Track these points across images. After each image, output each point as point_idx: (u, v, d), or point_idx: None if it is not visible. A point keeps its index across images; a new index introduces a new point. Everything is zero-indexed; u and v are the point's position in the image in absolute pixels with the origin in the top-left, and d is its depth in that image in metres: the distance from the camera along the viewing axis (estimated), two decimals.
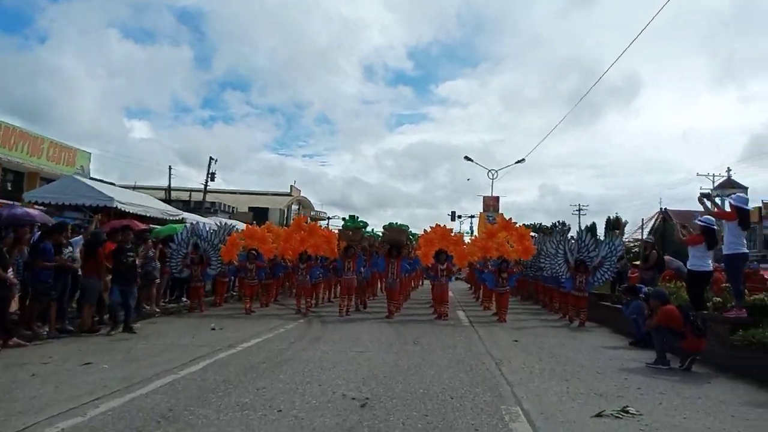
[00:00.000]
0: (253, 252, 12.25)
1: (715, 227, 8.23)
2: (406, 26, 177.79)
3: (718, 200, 42.69)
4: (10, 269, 7.47)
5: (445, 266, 11.49)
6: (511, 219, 12.88)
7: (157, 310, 10.60)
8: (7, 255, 7.42)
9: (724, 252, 7.45)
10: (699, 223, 8.39)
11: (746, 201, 7.80)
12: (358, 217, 13.98)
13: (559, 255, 11.76)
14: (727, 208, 7.89)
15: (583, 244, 12.00)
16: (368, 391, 5.10)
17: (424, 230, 12.90)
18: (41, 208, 15.20)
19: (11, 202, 11.16)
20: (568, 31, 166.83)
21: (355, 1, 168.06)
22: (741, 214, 7.43)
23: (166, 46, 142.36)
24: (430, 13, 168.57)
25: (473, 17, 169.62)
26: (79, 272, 8.91)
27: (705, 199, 8.64)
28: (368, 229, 15.56)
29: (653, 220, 52.06)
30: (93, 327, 8.58)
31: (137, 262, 9.15)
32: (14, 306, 7.49)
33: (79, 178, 18.18)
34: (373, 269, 13.54)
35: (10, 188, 30.02)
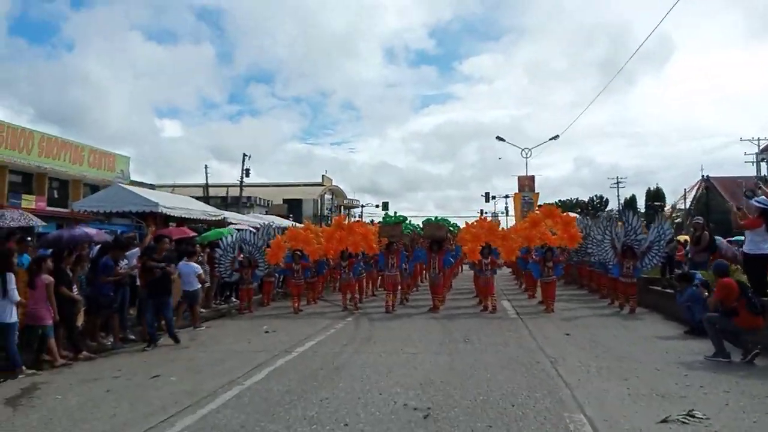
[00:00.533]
0: (298, 252, 12.48)
1: None
2: (424, 6, 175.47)
3: (764, 165, 40.99)
4: (74, 286, 7.86)
5: (489, 260, 11.47)
6: (554, 206, 12.72)
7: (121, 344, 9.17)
8: (70, 273, 7.78)
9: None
10: (756, 204, 8.13)
11: None
12: (396, 212, 14.16)
13: (606, 241, 11.58)
14: None
15: (630, 228, 11.76)
16: (428, 399, 5.19)
17: (466, 222, 12.90)
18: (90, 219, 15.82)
19: (73, 226, 11.62)
20: None
21: None
22: None
23: (189, 45, 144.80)
24: None
25: None
26: (137, 283, 9.29)
27: (764, 186, 8.35)
28: (407, 222, 15.64)
29: (695, 189, 50.46)
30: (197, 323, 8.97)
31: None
32: (80, 320, 7.85)
33: (123, 186, 18.78)
34: (416, 261, 13.68)
35: (56, 196, 31.24)
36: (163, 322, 8.93)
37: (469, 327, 9.45)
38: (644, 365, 6.45)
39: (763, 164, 42.36)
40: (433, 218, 13.54)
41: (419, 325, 9.88)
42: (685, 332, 8.51)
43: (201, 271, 10.63)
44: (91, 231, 8.81)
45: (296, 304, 12.02)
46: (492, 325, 9.70)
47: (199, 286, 10.43)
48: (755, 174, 41.23)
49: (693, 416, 4.52)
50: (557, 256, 11.72)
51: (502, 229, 12.54)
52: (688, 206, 47.26)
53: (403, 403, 5.09)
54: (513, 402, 5.04)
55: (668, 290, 10.73)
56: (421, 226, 14.61)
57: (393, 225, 13.12)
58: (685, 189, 52.03)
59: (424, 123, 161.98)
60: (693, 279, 8.85)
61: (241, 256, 12.43)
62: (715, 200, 43.34)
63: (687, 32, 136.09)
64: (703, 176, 48.35)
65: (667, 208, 53.45)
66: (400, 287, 12.86)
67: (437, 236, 12.57)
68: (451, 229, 15.28)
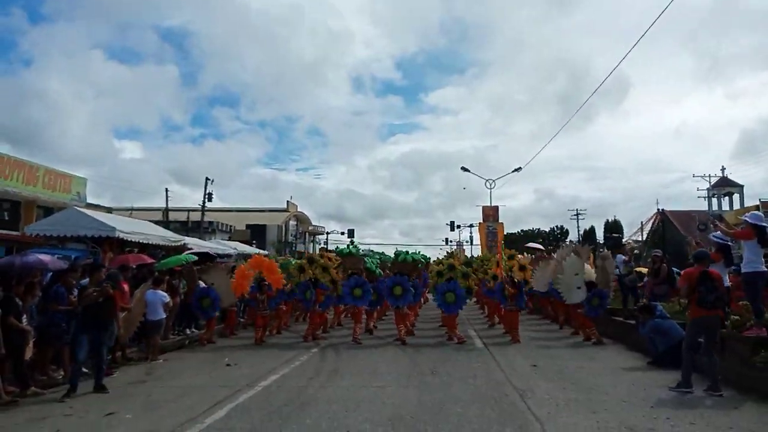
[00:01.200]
0: (264, 283, 12.21)
1: (730, 243, 8.23)
2: (390, 38, 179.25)
3: (714, 201, 42.89)
4: (24, 316, 7.42)
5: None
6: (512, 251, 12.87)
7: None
8: (20, 303, 7.36)
9: (743, 270, 7.44)
10: (714, 239, 8.40)
11: (762, 218, 7.81)
12: (352, 242, 14.25)
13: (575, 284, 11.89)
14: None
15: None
16: None
17: (438, 258, 13.05)
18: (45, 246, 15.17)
19: (25, 251, 11.11)
20: (552, 35, 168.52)
21: (339, 15, 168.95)
22: (759, 232, 7.43)
23: (152, 65, 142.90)
24: (413, 23, 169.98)
25: (456, 24, 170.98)
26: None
27: (718, 222, 8.67)
28: (367, 255, 15.71)
29: (651, 221, 52.31)
30: (108, 371, 8.48)
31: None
32: (29, 353, 7.39)
33: (80, 209, 18.07)
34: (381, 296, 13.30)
35: (6, 218, 29.88)
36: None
37: (436, 358, 9.37)
38: (611, 397, 6.48)
39: (714, 199, 44.39)
40: (405, 253, 13.47)
41: (386, 356, 9.73)
42: (648, 363, 8.64)
43: (168, 300, 10.30)
44: (45, 258, 8.40)
45: (259, 335, 11.69)
46: (459, 356, 9.64)
47: (164, 316, 10.07)
48: (707, 208, 43.11)
49: None
50: (521, 285, 11.83)
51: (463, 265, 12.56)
52: (644, 238, 48.91)
53: None
54: None
55: (629, 321, 10.93)
56: (380, 257, 14.72)
57: (353, 257, 13.19)
58: (642, 222, 53.93)
59: (391, 151, 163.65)
60: (654, 311, 9.04)
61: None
62: (670, 233, 44.98)
63: (643, 71, 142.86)
64: (658, 209, 50.16)
65: (626, 239, 55.13)
66: (364, 316, 12.76)
67: (404, 270, 12.58)
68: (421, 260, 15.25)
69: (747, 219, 7.68)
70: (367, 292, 12.13)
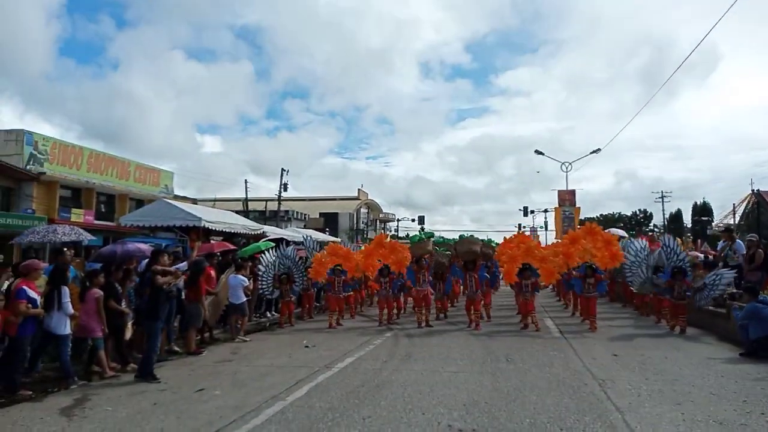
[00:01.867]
0: (338, 268, 12.54)
1: None
2: (459, 21, 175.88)
3: None
4: (123, 300, 8.10)
5: (530, 282, 11.26)
6: (595, 223, 12.36)
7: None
8: (119, 287, 8.02)
9: None
10: None
11: None
12: (423, 228, 14.21)
13: (637, 266, 11.39)
14: None
15: (669, 250, 11.45)
16: (473, 420, 5.09)
17: (504, 238, 12.73)
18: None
19: (124, 240, 12.05)
20: (632, 8, 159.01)
21: (406, 2, 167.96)
22: None
23: (227, 63, 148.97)
24: (483, 5, 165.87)
25: (529, 3, 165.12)
26: (182, 297, 9.51)
27: None
28: (437, 238, 15.57)
29: (744, 203, 48.56)
30: (197, 349, 9.09)
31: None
32: (128, 332, 8.06)
33: (169, 201, 19.31)
34: (453, 276, 13.32)
35: (103, 210, 32.37)
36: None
37: (511, 346, 9.27)
38: (699, 389, 6.17)
39: None
40: (464, 235, 13.36)
41: (459, 342, 9.74)
42: (740, 354, 8.13)
43: (248, 283, 10.88)
44: (143, 246, 9.08)
45: (333, 320, 12.05)
46: (535, 344, 9.48)
47: (245, 299, 10.64)
48: None
49: None
50: (600, 273, 11.38)
51: (541, 249, 12.11)
52: (737, 221, 45.46)
53: (447, 423, 5.00)
54: (561, 426, 4.89)
55: (719, 309, 10.30)
56: (454, 240, 14.52)
57: (420, 242, 13.05)
58: (734, 204, 50.22)
59: (460, 137, 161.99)
60: (758, 293, 8.48)
61: (282, 272, 12.63)
62: (766, 215, 41.55)
63: (732, 41, 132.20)
64: (753, 190, 46.47)
65: (716, 222, 51.56)
66: (433, 302, 12.81)
67: (470, 253, 12.37)
68: (490, 244, 15.00)
69: None
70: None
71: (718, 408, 5.41)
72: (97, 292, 7.46)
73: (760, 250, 10.25)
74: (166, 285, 7.48)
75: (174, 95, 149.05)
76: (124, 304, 8.06)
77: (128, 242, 10.08)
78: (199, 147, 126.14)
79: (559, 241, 14.87)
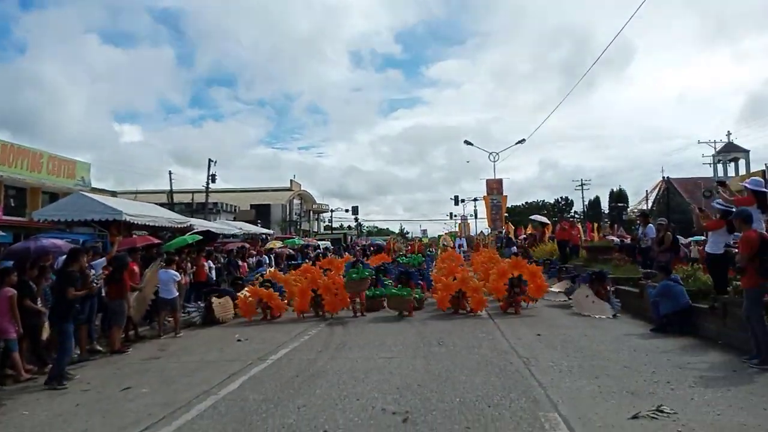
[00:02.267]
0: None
1: (734, 209, 8.29)
2: (389, 10, 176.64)
3: (720, 167, 42.69)
4: (39, 299, 7.62)
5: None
6: (519, 259, 12.51)
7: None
8: (34, 286, 7.54)
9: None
10: (718, 206, 8.47)
11: (762, 183, 7.88)
12: (357, 219, 13.67)
13: None
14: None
15: None
16: (406, 403, 5.23)
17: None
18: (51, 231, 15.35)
19: (37, 236, 11.27)
20: (555, 2, 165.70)
21: None
22: (759, 198, 7.50)
23: (147, 48, 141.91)
24: None
25: None
26: (103, 294, 9.09)
27: (721, 188, 8.71)
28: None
29: (656, 190, 52.24)
30: (122, 348, 8.72)
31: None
32: (45, 333, 7.61)
33: (86, 194, 18.24)
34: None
35: (13, 204, 30.10)
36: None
37: (443, 329, 9.54)
38: (613, 363, 6.64)
39: (719, 165, 44.09)
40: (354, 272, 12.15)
41: (393, 330, 9.89)
42: (651, 330, 8.79)
43: (180, 278, 10.54)
44: (59, 242, 8.55)
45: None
46: (465, 327, 9.80)
47: (177, 294, 10.30)
48: (713, 175, 42.88)
49: (662, 411, 4.69)
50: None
51: (474, 281, 11.96)
52: (650, 207, 48.81)
53: (381, 407, 5.11)
54: (489, 403, 5.13)
55: (633, 289, 11.06)
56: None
57: (359, 281, 11.96)
58: (647, 190, 53.90)
59: (392, 127, 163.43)
60: (670, 272, 9.18)
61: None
62: (675, 200, 44.91)
63: (646, 36, 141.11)
64: (663, 177, 50.08)
65: (631, 208, 55.08)
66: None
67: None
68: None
69: (747, 185, 7.75)
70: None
71: (630, 380, 5.85)
72: (10, 291, 6.97)
73: (669, 232, 11.08)
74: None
75: (89, 81, 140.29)
76: (40, 303, 7.59)
77: (42, 238, 9.45)
78: (117, 136, 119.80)
79: (491, 230, 15.17)
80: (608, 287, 11.14)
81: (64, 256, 8.75)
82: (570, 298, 11.80)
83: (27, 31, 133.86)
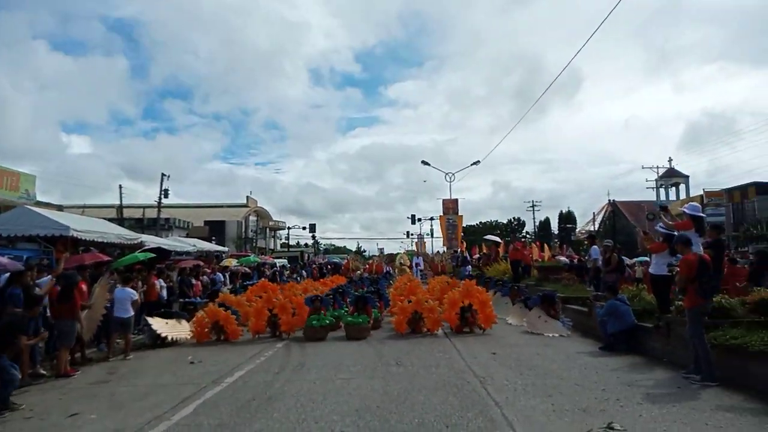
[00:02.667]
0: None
1: (676, 233, 8.75)
2: (349, 30, 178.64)
3: (662, 191, 44.84)
4: None
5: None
6: (472, 284, 12.38)
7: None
8: None
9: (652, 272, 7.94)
10: (661, 230, 8.93)
11: (699, 209, 8.38)
12: (314, 237, 13.15)
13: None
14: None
15: None
16: (365, 425, 5.23)
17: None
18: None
19: None
20: (508, 29, 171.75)
21: (294, 3, 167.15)
22: (696, 222, 7.97)
23: (99, 57, 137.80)
24: (372, 15, 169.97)
25: (414, 17, 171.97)
26: (47, 313, 8.71)
27: (663, 213, 9.19)
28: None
29: (603, 212, 54.36)
30: (70, 371, 8.35)
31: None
32: None
33: (30, 207, 17.48)
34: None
35: None
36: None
37: (401, 349, 9.58)
38: (566, 381, 6.84)
39: (662, 189, 46.36)
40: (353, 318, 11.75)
41: (351, 349, 9.86)
42: (600, 348, 9.11)
43: (137, 297, 10.23)
44: (3, 260, 8.16)
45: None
46: (422, 346, 9.88)
47: (132, 313, 9.99)
48: (655, 199, 45.02)
49: (612, 428, 4.87)
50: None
51: (429, 300, 12.07)
52: (596, 228, 50.66)
53: (340, 430, 5.09)
54: (447, 423, 5.19)
55: (583, 308, 11.44)
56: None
57: (318, 328, 11.37)
58: (594, 212, 55.99)
59: (351, 145, 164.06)
60: (617, 291, 9.56)
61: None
62: (620, 222, 46.83)
63: (594, 64, 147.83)
64: (609, 200, 52.18)
65: (579, 229, 56.96)
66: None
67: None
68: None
69: (686, 210, 8.22)
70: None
71: (582, 397, 6.05)
72: None
73: (615, 254, 11.55)
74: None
75: (35, 89, 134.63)
76: None
77: None
78: (64, 148, 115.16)
79: (447, 249, 15.27)
80: (557, 308, 11.49)
81: (6, 275, 8.39)
82: (524, 321, 12.07)
83: None
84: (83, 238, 15.36)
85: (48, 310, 8.99)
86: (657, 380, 6.87)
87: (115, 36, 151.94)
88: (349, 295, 13.96)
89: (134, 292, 10.21)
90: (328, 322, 11.66)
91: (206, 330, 11.50)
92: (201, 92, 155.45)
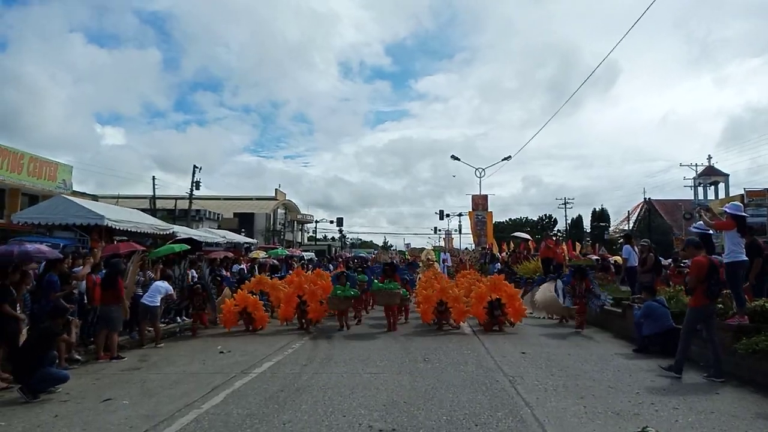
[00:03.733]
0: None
1: (711, 233, 8.47)
2: (379, 22, 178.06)
3: (701, 190, 43.51)
4: (18, 305, 7.45)
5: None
6: (500, 279, 12.31)
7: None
8: (14, 292, 7.37)
9: (725, 260, 7.66)
10: (695, 230, 8.65)
11: (741, 208, 8.05)
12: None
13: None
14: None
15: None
16: (392, 420, 5.19)
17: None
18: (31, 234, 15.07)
19: (18, 240, 11.06)
20: (542, 19, 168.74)
21: None
22: (739, 222, 7.66)
23: (132, 49, 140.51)
24: (403, 6, 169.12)
25: (446, 7, 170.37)
26: (85, 300, 8.96)
27: (703, 212, 8.89)
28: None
29: (638, 210, 53.08)
30: (118, 355, 8.65)
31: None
32: (22, 340, 7.41)
33: (67, 197, 17.96)
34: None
35: None
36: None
37: (428, 346, 9.51)
38: (598, 383, 6.67)
39: (700, 188, 44.91)
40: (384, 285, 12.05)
41: (378, 344, 9.85)
42: (634, 350, 8.87)
43: (172, 292, 10.58)
44: (44, 247, 8.40)
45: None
46: (450, 343, 9.79)
47: (158, 303, 10.19)
48: (693, 198, 43.66)
49: None
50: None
51: (454, 288, 11.97)
52: (631, 227, 49.51)
53: (368, 424, 5.07)
54: (476, 422, 5.11)
55: (616, 309, 11.17)
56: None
57: (342, 299, 11.77)
58: (628, 211, 54.69)
59: (378, 138, 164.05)
60: (655, 292, 9.31)
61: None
62: (656, 221, 45.63)
63: (631, 57, 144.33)
64: (645, 198, 50.92)
65: (612, 228, 55.80)
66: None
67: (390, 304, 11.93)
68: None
69: (727, 210, 7.91)
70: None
71: (615, 400, 5.89)
72: None
73: (651, 254, 11.23)
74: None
75: (72, 82, 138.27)
76: (18, 309, 7.41)
77: (26, 242, 9.25)
78: (99, 139, 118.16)
79: (475, 246, 15.02)
80: (590, 284, 11.27)
81: (44, 263, 8.61)
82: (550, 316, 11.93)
83: (9, 28, 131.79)
84: (117, 227, 15.73)
85: (85, 298, 9.24)
86: (694, 385, 6.65)
87: (148, 28, 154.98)
88: (375, 270, 14.00)
89: (170, 287, 10.45)
90: (352, 293, 11.89)
91: (234, 317, 11.68)
92: (231, 85, 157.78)
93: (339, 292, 11.71)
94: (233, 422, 5.20)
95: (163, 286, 10.21)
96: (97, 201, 28.00)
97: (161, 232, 18.50)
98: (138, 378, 7.37)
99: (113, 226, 15.47)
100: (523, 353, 8.72)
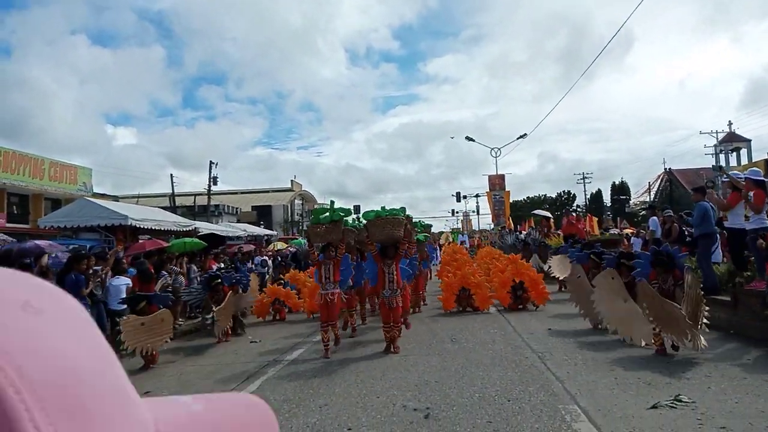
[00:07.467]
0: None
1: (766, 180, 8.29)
2: (384, 4, 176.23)
3: (722, 157, 42.58)
4: None
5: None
6: (522, 262, 12.14)
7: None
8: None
9: (748, 227, 7.59)
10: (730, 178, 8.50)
11: (760, 173, 7.95)
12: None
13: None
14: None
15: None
16: (426, 399, 5.29)
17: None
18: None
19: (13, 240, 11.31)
20: None
21: None
22: (759, 188, 7.56)
23: (135, 47, 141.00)
24: None
25: None
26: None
27: (713, 191, 8.81)
28: (351, 219, 10.45)
29: (658, 181, 52.23)
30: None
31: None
32: None
33: (90, 199, 18.34)
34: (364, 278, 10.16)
35: (16, 212, 30.20)
36: None
37: (454, 327, 9.58)
38: (628, 356, 6.69)
39: (721, 155, 44.00)
40: (383, 210, 8.46)
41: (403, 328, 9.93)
42: None
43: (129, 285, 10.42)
44: (42, 243, 8.60)
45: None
46: (476, 323, 9.86)
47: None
48: (714, 164, 42.77)
49: (680, 401, 4.75)
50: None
51: (476, 275, 11.79)
52: (652, 198, 48.79)
53: (402, 404, 5.18)
54: (509, 397, 5.19)
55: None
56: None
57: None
58: (649, 182, 53.84)
59: (389, 123, 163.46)
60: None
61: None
62: (678, 192, 44.91)
63: (644, 23, 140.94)
64: (665, 169, 50.09)
65: (633, 200, 55.05)
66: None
67: (391, 237, 8.17)
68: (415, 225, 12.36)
69: (748, 176, 7.81)
70: (347, 272, 9.32)
71: (646, 371, 5.91)
72: None
73: (675, 224, 11.13)
74: None
75: (77, 83, 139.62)
76: None
77: (29, 242, 9.49)
78: (110, 140, 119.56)
79: (494, 225, 15.01)
80: (680, 276, 11.06)
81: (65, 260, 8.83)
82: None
83: (11, 33, 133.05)
84: (141, 226, 16.02)
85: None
86: (724, 352, 6.63)
87: (148, 25, 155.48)
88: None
89: (128, 281, 10.27)
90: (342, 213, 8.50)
91: (266, 307, 12.18)
92: (235, 77, 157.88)
93: (321, 216, 8.30)
94: (271, 407, 5.33)
95: (122, 281, 9.56)
96: (118, 201, 28.49)
97: (183, 229, 18.79)
98: (174, 370, 7.58)
99: (137, 225, 15.77)
100: (550, 329, 8.75)
